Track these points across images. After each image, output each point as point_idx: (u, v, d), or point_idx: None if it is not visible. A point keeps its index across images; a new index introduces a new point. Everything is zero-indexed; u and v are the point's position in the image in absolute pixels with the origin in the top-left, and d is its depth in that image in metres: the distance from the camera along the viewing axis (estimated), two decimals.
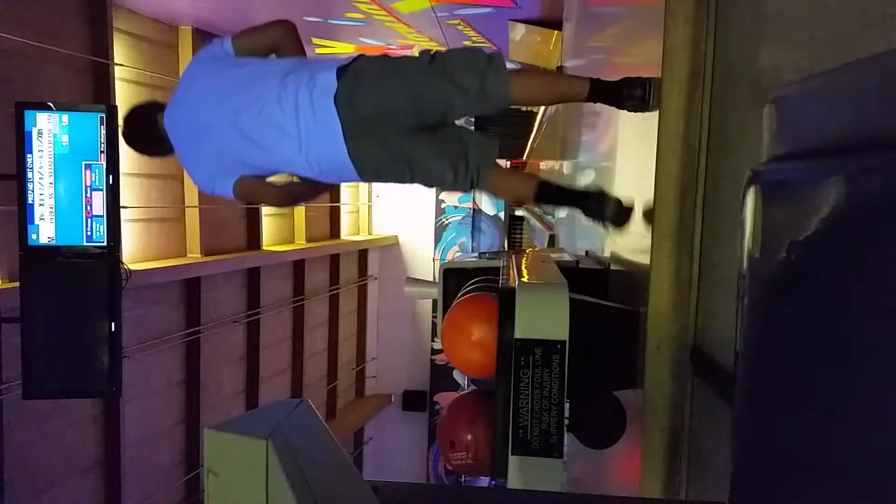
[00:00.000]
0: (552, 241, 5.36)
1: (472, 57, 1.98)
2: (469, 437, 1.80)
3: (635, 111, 1.92)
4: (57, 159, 4.15)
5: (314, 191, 2.32)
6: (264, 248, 8.64)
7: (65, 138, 4.16)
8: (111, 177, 4.23)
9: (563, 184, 2.18)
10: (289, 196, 2.29)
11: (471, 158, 2.04)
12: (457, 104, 1.97)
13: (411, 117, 1.98)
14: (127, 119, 2.36)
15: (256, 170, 2.14)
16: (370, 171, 2.05)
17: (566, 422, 1.58)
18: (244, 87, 2.05)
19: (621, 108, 1.96)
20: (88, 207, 4.22)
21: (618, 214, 1.97)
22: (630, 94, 1.90)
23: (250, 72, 2.08)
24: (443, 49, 2.05)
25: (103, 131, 4.19)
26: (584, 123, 3.57)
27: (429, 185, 2.12)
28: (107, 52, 5.88)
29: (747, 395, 0.67)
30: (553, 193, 2.19)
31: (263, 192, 2.24)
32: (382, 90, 1.95)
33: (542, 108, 7.43)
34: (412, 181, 2.08)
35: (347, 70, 1.96)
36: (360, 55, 2.03)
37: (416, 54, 2.03)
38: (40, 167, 4.13)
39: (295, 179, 2.25)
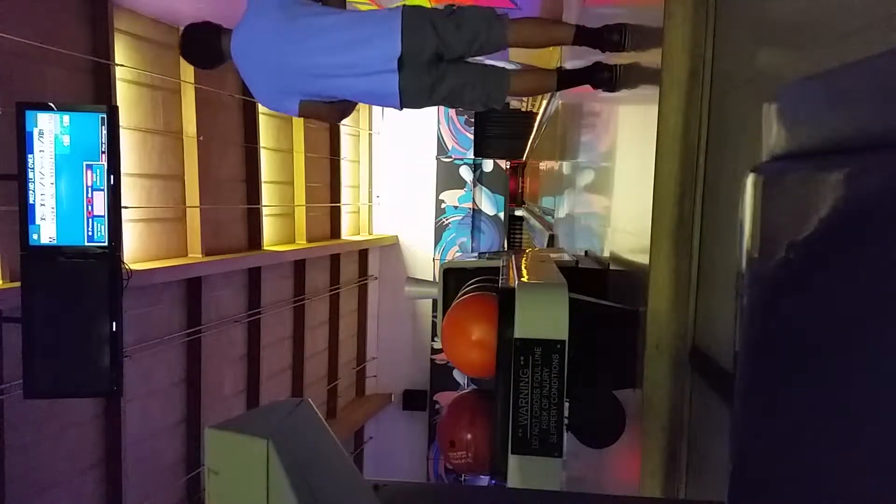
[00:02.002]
0: (552, 241, 5.36)
1: (482, 12, 2.50)
2: (469, 436, 1.80)
3: (614, 51, 2.34)
4: (58, 159, 4.15)
5: (350, 107, 2.80)
6: (265, 247, 8.64)
7: (66, 138, 4.16)
8: (112, 177, 4.23)
9: (573, 67, 2.76)
10: (342, 113, 2.82)
11: (487, 81, 2.55)
12: (474, 43, 2.49)
13: (437, 54, 2.49)
14: (191, 35, 2.73)
15: (314, 95, 2.63)
16: (410, 96, 2.53)
17: (566, 421, 1.58)
18: (321, 27, 2.49)
19: (603, 50, 2.39)
20: (90, 207, 4.22)
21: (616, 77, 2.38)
22: (609, 38, 2.33)
23: (321, 14, 2.53)
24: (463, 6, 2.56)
25: (104, 131, 4.19)
26: (584, 124, 3.56)
27: (453, 104, 2.64)
28: (108, 53, 5.88)
29: (747, 395, 0.67)
30: (570, 77, 2.70)
31: (323, 111, 2.75)
32: (420, 38, 2.46)
33: (542, 108, 7.42)
34: (441, 102, 2.59)
35: (403, 23, 2.46)
36: (404, 8, 2.51)
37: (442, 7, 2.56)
38: (41, 167, 4.13)
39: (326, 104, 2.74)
